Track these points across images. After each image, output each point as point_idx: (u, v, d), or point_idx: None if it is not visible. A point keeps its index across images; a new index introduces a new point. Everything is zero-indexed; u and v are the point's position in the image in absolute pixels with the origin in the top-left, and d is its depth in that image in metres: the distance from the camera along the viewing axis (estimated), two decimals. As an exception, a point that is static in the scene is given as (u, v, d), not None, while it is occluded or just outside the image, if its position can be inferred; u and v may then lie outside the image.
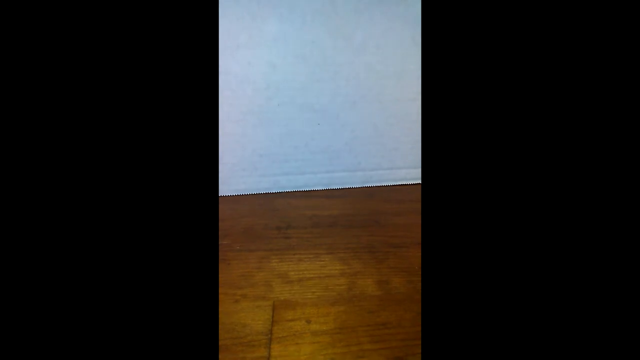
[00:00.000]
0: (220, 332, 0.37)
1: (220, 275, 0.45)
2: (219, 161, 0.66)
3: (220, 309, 0.40)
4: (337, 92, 0.65)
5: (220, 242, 0.52)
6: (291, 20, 0.60)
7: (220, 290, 0.43)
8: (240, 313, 0.40)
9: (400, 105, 0.67)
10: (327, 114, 0.66)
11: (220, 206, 0.63)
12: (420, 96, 0.67)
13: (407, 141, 0.70)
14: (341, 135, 0.68)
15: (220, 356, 0.34)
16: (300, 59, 0.62)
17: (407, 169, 0.72)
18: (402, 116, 0.68)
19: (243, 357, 0.34)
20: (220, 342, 0.35)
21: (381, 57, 0.64)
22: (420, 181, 0.73)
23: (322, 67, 0.63)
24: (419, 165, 0.72)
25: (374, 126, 0.68)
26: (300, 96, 0.64)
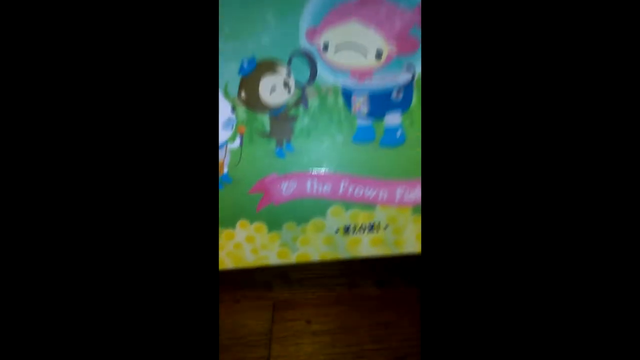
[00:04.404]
0: (220, 332, 0.37)
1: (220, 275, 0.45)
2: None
3: (220, 309, 0.40)
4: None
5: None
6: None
7: (220, 290, 0.43)
8: (240, 313, 0.40)
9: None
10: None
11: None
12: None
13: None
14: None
15: (220, 356, 0.34)
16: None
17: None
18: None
19: (243, 357, 0.34)
20: (220, 342, 0.35)
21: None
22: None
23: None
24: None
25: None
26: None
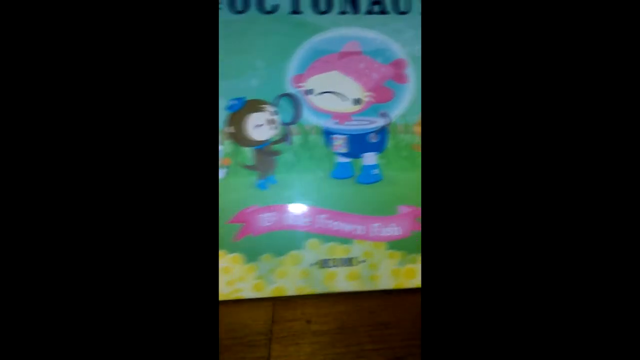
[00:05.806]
0: (220, 332, 0.36)
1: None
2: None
3: (220, 309, 0.39)
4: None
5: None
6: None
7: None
8: (240, 313, 0.40)
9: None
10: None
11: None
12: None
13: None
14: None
15: (220, 356, 0.33)
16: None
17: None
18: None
19: (243, 357, 0.34)
20: (220, 342, 0.35)
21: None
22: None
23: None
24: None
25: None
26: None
